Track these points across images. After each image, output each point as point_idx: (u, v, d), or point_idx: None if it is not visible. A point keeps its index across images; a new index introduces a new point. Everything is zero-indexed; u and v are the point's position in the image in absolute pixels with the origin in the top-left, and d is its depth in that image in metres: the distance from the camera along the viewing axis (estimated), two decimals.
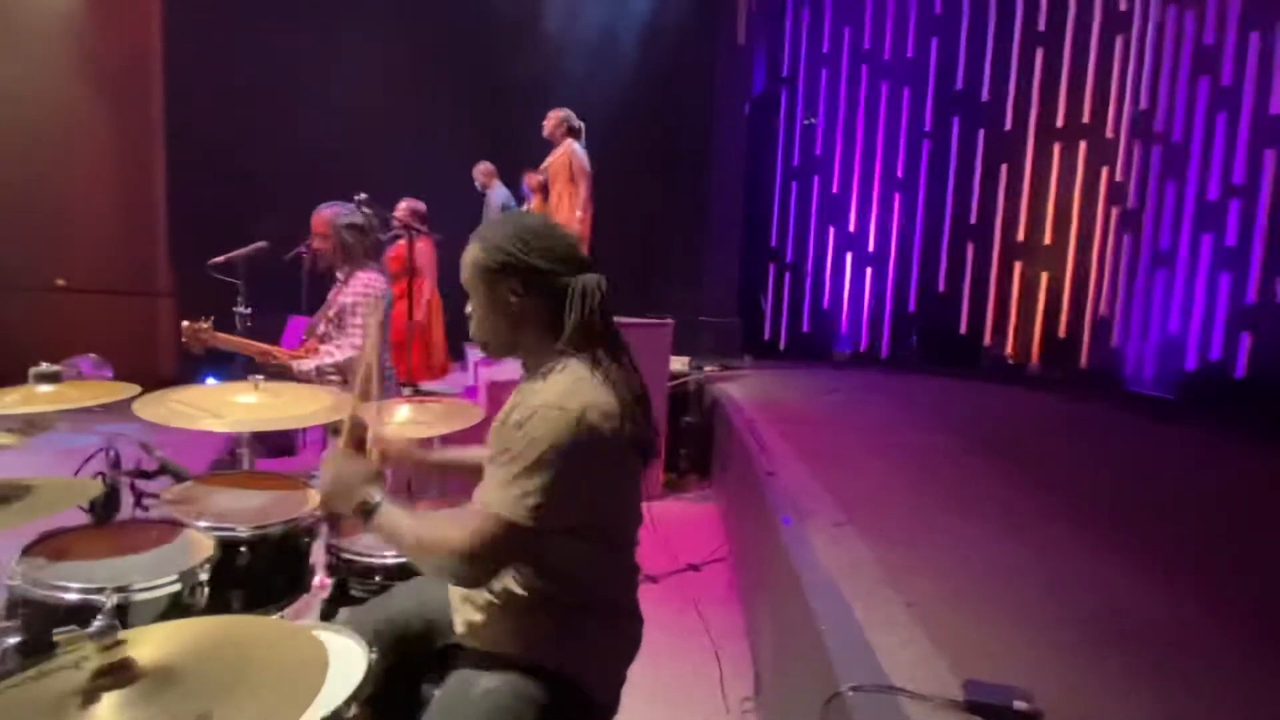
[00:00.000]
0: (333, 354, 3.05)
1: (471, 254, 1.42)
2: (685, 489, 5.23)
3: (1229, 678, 1.81)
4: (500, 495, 1.27)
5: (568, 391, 1.30)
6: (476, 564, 1.29)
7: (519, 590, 1.39)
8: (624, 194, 6.26)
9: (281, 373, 2.95)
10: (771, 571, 2.69)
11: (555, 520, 1.27)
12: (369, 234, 3.22)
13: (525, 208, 6.49)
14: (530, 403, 1.30)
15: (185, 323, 2.84)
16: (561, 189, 5.20)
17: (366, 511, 1.36)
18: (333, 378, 3.05)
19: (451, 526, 1.31)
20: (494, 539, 1.27)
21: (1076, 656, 1.81)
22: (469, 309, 1.46)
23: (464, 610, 1.46)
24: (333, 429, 2.03)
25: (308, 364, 3.01)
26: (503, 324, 1.42)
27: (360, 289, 3.09)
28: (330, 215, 3.14)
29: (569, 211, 5.13)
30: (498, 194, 6.48)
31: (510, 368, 1.47)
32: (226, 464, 3.53)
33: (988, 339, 7.81)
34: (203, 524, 1.75)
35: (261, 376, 2.16)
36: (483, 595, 1.43)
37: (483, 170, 6.52)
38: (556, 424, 1.26)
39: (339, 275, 3.19)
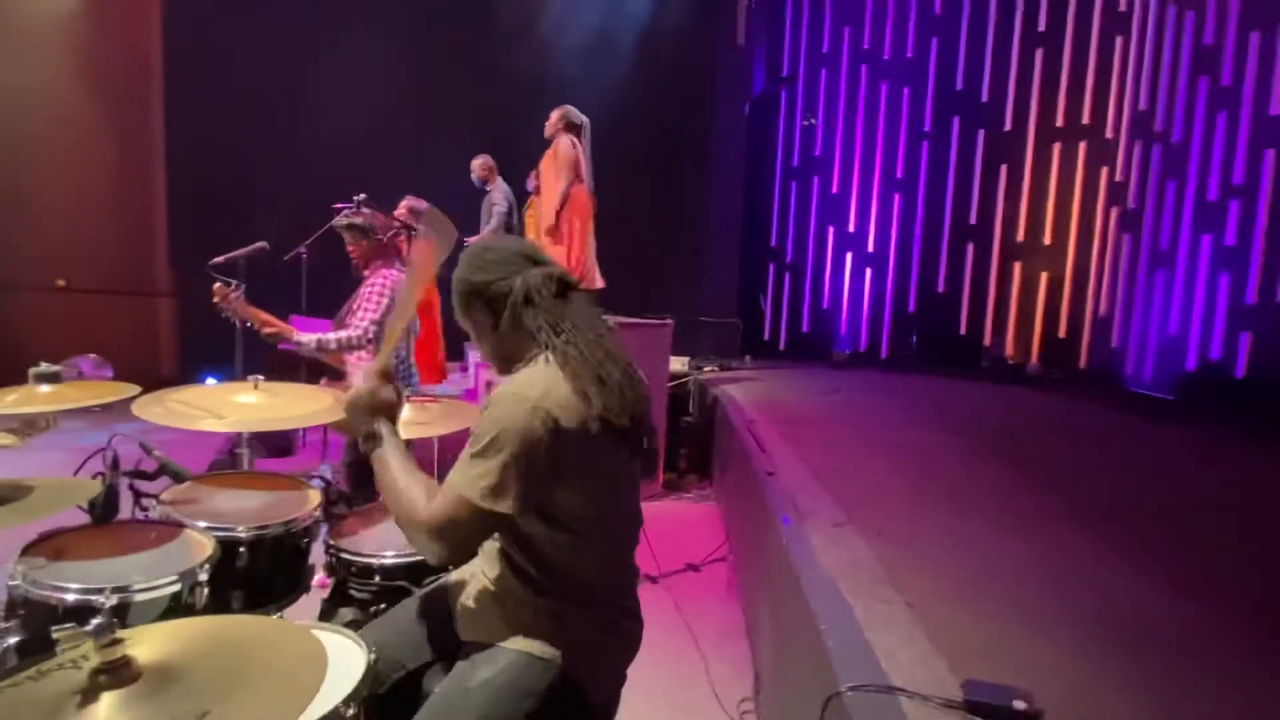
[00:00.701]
0: (337, 334, 3.14)
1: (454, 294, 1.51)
2: (685, 489, 5.23)
3: (1229, 678, 1.81)
4: (459, 474, 1.32)
5: (529, 380, 1.35)
6: (436, 538, 1.33)
7: (517, 585, 1.41)
8: (624, 194, 6.26)
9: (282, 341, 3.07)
10: (771, 571, 2.69)
11: (512, 503, 1.29)
12: (369, 233, 3.24)
13: (528, 206, 6.48)
14: (496, 392, 1.36)
15: (218, 284, 2.90)
16: (551, 183, 5.15)
17: (369, 438, 1.45)
18: (331, 351, 3.17)
19: (426, 495, 1.35)
20: (452, 516, 1.31)
21: (1076, 656, 1.81)
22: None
23: (464, 604, 1.49)
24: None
25: (308, 337, 3.09)
26: (491, 343, 1.50)
27: (379, 282, 3.19)
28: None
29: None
30: (498, 191, 6.42)
31: None
32: (226, 464, 3.54)
33: (988, 339, 7.81)
34: (202, 524, 1.75)
35: (261, 377, 2.16)
36: (482, 589, 1.45)
37: (481, 165, 6.39)
38: (512, 408, 1.31)
39: (365, 273, 3.30)
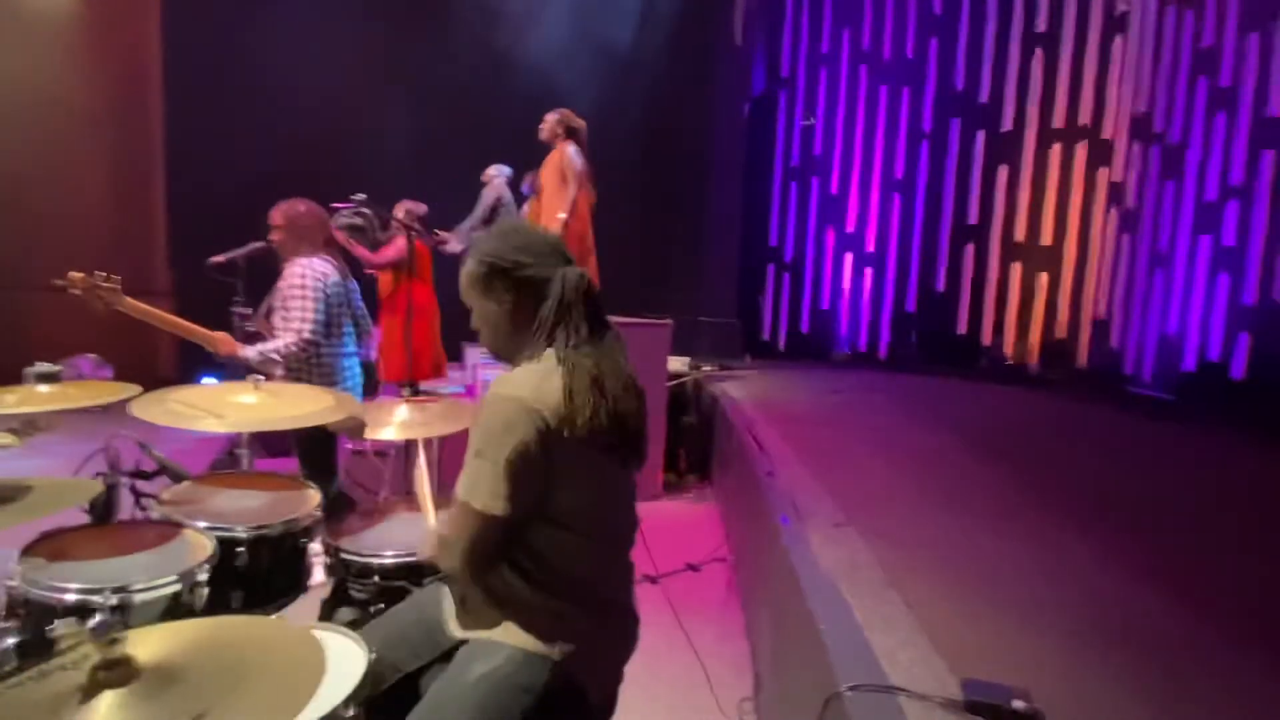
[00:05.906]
0: (274, 344, 2.88)
1: (466, 268, 1.47)
2: (685, 489, 5.23)
3: (1227, 677, 1.81)
4: (464, 482, 1.33)
5: (521, 380, 1.34)
6: (456, 551, 1.35)
7: (515, 580, 1.41)
8: (623, 194, 6.25)
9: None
10: (771, 571, 2.69)
11: (515, 505, 1.30)
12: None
13: (525, 208, 6.47)
14: (489, 393, 1.35)
15: (77, 274, 2.50)
16: (553, 190, 5.15)
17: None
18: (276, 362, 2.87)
19: (450, 522, 1.38)
20: (465, 526, 1.33)
21: (1076, 656, 1.81)
22: (474, 323, 1.50)
23: (459, 603, 1.49)
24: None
25: (250, 350, 2.86)
26: (503, 328, 1.46)
27: (300, 273, 2.94)
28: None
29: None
30: (490, 189, 6.38)
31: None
32: (226, 464, 3.53)
33: (987, 339, 7.81)
34: (202, 524, 1.75)
35: (262, 377, 2.16)
36: (477, 588, 1.45)
37: (495, 169, 6.40)
38: (504, 411, 1.31)
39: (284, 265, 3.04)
